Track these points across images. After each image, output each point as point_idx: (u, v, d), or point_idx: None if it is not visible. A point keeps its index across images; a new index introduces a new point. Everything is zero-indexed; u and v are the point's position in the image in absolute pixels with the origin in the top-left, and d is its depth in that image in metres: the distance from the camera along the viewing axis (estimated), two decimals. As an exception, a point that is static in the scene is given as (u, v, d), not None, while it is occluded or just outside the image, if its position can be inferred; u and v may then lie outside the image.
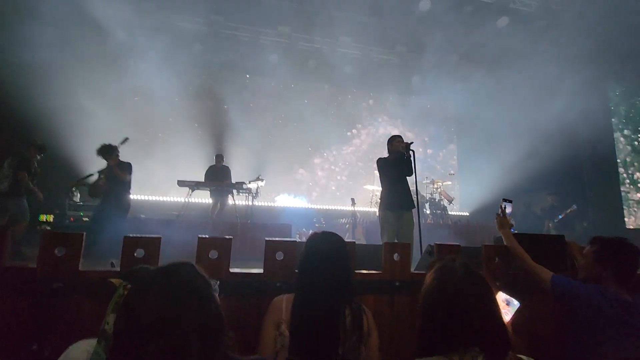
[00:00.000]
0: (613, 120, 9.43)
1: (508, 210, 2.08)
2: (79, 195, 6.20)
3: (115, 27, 8.13)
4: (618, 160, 9.16)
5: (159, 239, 1.50)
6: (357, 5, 8.07)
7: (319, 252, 1.38)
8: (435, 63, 10.01)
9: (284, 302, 1.40)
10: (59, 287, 1.40)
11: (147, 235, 1.49)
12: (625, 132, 9.46)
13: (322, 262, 1.35)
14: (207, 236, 1.55)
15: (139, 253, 1.48)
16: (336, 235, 1.46)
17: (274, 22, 8.84)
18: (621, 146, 9.31)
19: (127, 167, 4.99)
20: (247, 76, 9.95)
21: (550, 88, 8.66)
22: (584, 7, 8.14)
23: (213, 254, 1.57)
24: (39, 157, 5.00)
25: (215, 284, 1.23)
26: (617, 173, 9.06)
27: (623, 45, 7.73)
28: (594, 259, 1.67)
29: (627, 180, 9.15)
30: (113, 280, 1.32)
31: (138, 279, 1.24)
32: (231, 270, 1.61)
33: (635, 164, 9.28)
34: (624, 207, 8.95)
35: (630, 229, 8.78)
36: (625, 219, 8.94)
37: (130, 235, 1.48)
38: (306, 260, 1.40)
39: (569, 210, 7.78)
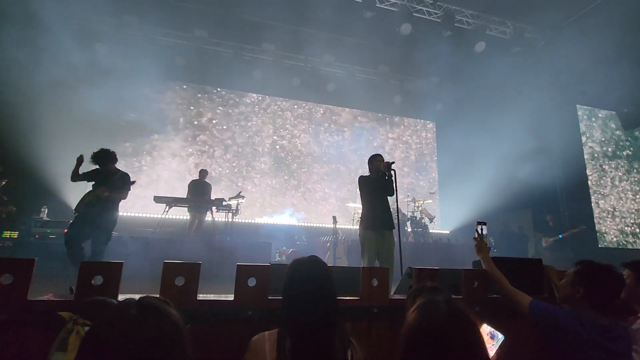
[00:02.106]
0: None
1: (484, 232, 2.07)
2: (46, 211, 5.90)
3: (95, 40, 8.02)
4: (589, 180, 9.52)
5: (120, 264, 1.39)
6: (341, 26, 8.26)
7: (306, 280, 1.26)
8: (417, 84, 10.29)
9: (266, 342, 1.23)
10: (4, 319, 1.27)
11: (107, 261, 1.38)
12: (595, 148, 9.89)
13: (311, 292, 1.22)
14: (173, 261, 1.46)
15: (97, 280, 1.37)
16: (322, 260, 1.35)
17: (258, 39, 8.93)
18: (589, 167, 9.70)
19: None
20: (219, 90, 9.89)
21: (526, 109, 9.00)
22: (553, 36, 8.62)
23: (179, 281, 1.47)
24: None
25: None
26: (588, 192, 9.39)
27: (589, 69, 8.18)
28: (572, 280, 1.67)
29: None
30: (62, 313, 1.20)
31: (98, 313, 1.12)
32: (199, 297, 1.51)
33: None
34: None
35: (602, 247, 9.05)
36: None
37: (88, 261, 1.36)
38: (292, 290, 1.26)
39: (576, 230, 7.43)
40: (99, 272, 1.36)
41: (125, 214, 8.06)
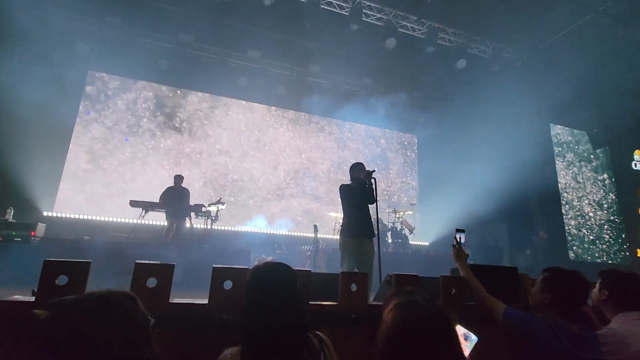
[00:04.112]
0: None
1: (462, 240, 2.10)
2: (12, 212, 5.60)
3: (76, 38, 7.81)
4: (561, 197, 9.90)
5: (87, 264, 1.32)
6: (327, 37, 8.38)
7: (270, 289, 1.15)
8: (399, 97, 10.51)
9: None
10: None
11: (73, 260, 1.30)
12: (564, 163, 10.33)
13: (273, 302, 1.13)
14: (145, 261, 1.40)
15: (62, 280, 1.29)
16: (285, 265, 1.26)
17: (244, 46, 8.93)
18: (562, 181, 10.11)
19: None
20: (203, 94, 9.80)
21: (503, 126, 9.33)
22: (530, 57, 9.03)
23: (151, 282, 1.41)
24: None
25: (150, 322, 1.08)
26: (560, 207, 9.76)
27: (561, 90, 8.60)
28: (540, 287, 1.70)
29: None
30: (37, 311, 1.12)
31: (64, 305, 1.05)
32: (172, 300, 1.45)
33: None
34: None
35: (572, 260, 9.38)
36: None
37: (52, 259, 1.29)
38: (253, 301, 1.15)
39: (545, 237, 8.47)
40: (64, 271, 1.28)
41: (97, 218, 7.78)
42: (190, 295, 1.69)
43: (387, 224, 8.90)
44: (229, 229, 8.70)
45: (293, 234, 9.31)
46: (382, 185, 11.11)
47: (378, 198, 3.90)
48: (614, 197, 10.73)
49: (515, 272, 2.17)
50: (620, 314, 1.76)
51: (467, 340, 1.44)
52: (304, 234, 9.20)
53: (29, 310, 1.25)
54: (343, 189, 4.02)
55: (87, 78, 8.50)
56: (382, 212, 9.50)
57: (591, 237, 9.97)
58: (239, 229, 8.83)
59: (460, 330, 1.45)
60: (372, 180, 3.83)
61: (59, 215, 7.59)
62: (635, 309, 1.78)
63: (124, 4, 7.67)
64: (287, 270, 1.24)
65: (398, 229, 8.79)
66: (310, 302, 1.65)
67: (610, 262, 9.86)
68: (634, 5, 7.37)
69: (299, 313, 1.16)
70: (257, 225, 8.96)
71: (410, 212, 9.59)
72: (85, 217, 7.72)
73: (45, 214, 7.42)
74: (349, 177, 4.10)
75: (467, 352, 1.40)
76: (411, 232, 8.97)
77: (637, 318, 1.74)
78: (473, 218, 8.97)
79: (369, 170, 3.85)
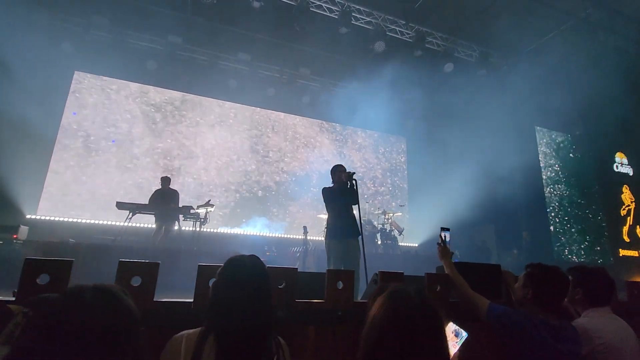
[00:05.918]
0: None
1: (447, 238, 2.14)
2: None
3: (62, 38, 7.69)
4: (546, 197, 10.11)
5: (69, 262, 1.30)
6: (317, 40, 8.43)
7: (242, 281, 1.16)
8: (389, 100, 10.61)
9: (183, 343, 1.10)
10: None
11: (55, 259, 1.29)
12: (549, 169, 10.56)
13: (241, 293, 1.13)
14: (129, 260, 1.39)
15: (43, 279, 1.27)
16: (258, 261, 1.26)
17: (235, 48, 8.93)
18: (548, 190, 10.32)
19: None
20: (191, 96, 9.73)
21: (489, 129, 9.50)
22: (515, 62, 9.24)
23: (136, 281, 1.40)
24: None
25: None
26: (545, 208, 9.96)
27: (546, 93, 8.82)
28: (523, 282, 1.75)
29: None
30: (11, 306, 1.10)
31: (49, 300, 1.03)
32: (156, 299, 1.44)
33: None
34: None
35: (557, 260, 9.57)
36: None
37: (34, 257, 1.27)
38: (224, 291, 1.15)
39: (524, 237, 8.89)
40: (45, 270, 1.27)
41: (82, 220, 7.63)
42: (176, 297, 1.68)
43: (376, 225, 8.95)
44: (218, 231, 8.63)
45: (283, 235, 9.28)
46: (372, 186, 11.17)
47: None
48: (596, 198, 10.99)
49: (498, 270, 2.22)
50: (590, 310, 1.82)
51: (457, 336, 1.47)
52: (294, 236, 9.18)
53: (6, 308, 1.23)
54: (325, 191, 4.09)
55: (72, 79, 8.37)
56: (372, 213, 9.56)
57: (575, 238, 10.19)
58: (229, 231, 8.76)
59: (451, 327, 1.48)
60: (354, 182, 3.88)
61: (42, 217, 7.42)
62: (604, 304, 1.84)
63: (111, 4, 7.59)
64: (259, 266, 1.24)
65: (387, 230, 8.85)
66: (297, 300, 1.66)
67: (598, 260, 10.09)
68: (612, 14, 7.62)
69: (267, 310, 1.16)
70: (252, 227, 8.91)
71: (400, 214, 9.66)
72: (70, 219, 7.56)
73: (28, 216, 7.25)
74: (331, 180, 4.15)
75: (456, 348, 1.43)
76: (400, 233, 9.03)
77: (606, 313, 1.81)
78: (462, 219, 9.09)
79: (349, 172, 3.93)
